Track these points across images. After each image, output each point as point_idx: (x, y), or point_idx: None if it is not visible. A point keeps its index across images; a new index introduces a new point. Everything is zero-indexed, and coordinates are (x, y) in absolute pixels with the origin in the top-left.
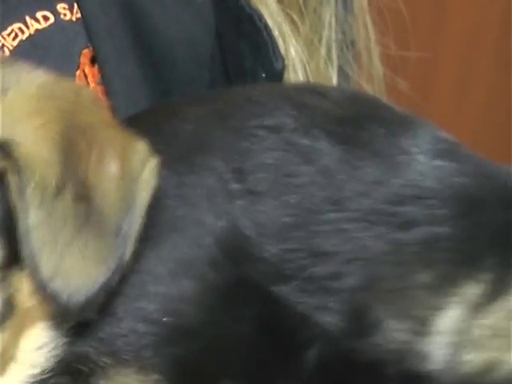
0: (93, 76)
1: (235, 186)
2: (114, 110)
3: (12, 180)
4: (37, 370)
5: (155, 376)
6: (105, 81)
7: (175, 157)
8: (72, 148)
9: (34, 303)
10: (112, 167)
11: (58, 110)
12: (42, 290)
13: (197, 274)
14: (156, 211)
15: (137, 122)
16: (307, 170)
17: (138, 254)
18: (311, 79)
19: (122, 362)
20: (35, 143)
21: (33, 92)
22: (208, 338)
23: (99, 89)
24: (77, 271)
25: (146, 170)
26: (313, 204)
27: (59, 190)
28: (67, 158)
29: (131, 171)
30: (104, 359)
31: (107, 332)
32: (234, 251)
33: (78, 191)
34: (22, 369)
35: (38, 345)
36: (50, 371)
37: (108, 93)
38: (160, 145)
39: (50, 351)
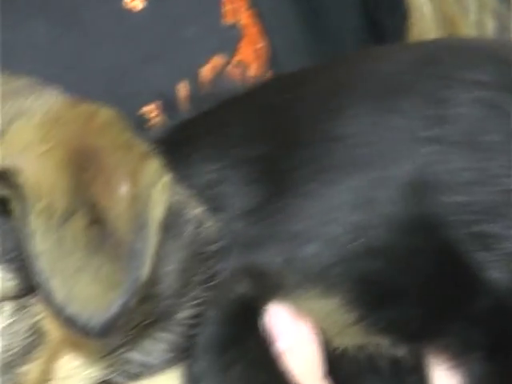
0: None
1: (426, 133)
2: (271, 45)
3: (16, 208)
4: None
5: (338, 297)
6: (260, 19)
7: (375, 95)
8: (81, 173)
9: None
10: (122, 189)
11: (64, 136)
12: (58, 316)
13: (382, 209)
14: (348, 145)
15: (343, 61)
16: (502, 129)
17: (322, 182)
18: (446, 28)
19: (307, 283)
20: (39, 170)
21: (37, 120)
22: (393, 263)
23: (250, 13)
24: (91, 296)
25: (157, 188)
26: (496, 164)
27: (68, 216)
28: (77, 183)
29: (141, 191)
30: (290, 278)
31: (294, 253)
32: (417, 194)
33: (90, 215)
34: None
35: (79, 366)
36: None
37: (265, 31)
38: (362, 81)
39: (88, 376)
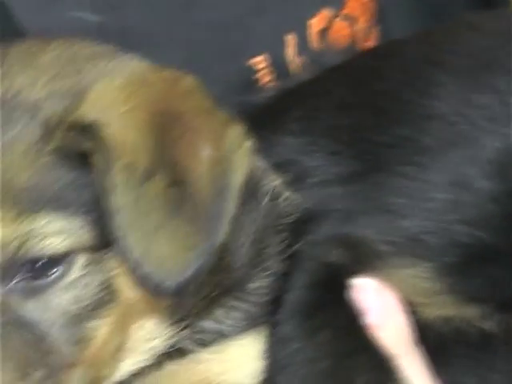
0: None
1: None
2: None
3: (98, 161)
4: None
5: (426, 265)
6: None
7: (463, 71)
8: (164, 134)
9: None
10: (204, 151)
11: (148, 98)
12: (134, 272)
13: (476, 184)
14: (439, 124)
15: (435, 33)
16: None
17: (418, 163)
18: None
19: (398, 253)
20: (122, 127)
21: (121, 81)
22: (486, 230)
23: None
24: (168, 255)
25: (239, 153)
26: None
27: (149, 175)
28: (159, 144)
29: (223, 155)
30: (381, 249)
31: (388, 225)
32: (506, 169)
33: (171, 176)
34: (134, 356)
35: (149, 334)
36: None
37: None
38: (452, 55)
39: (162, 339)
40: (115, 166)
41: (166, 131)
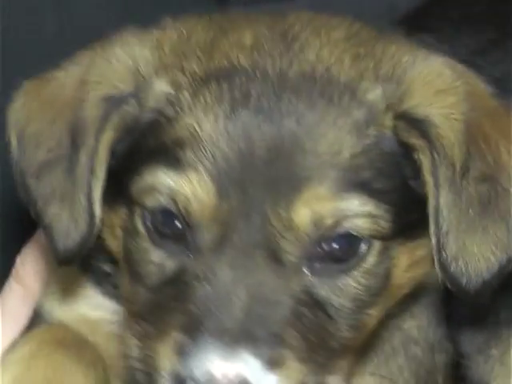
0: None
1: None
2: None
3: (424, 158)
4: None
5: None
6: None
7: None
8: (474, 129)
9: (407, 280)
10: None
11: (464, 92)
12: (443, 270)
13: None
14: None
15: None
16: None
17: None
18: None
19: None
20: (443, 123)
21: (441, 70)
22: None
23: None
24: (477, 255)
25: None
26: None
27: (464, 172)
28: (470, 139)
29: None
30: None
31: None
32: None
33: (481, 173)
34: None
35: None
36: None
37: None
38: None
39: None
40: (442, 166)
41: (476, 127)
